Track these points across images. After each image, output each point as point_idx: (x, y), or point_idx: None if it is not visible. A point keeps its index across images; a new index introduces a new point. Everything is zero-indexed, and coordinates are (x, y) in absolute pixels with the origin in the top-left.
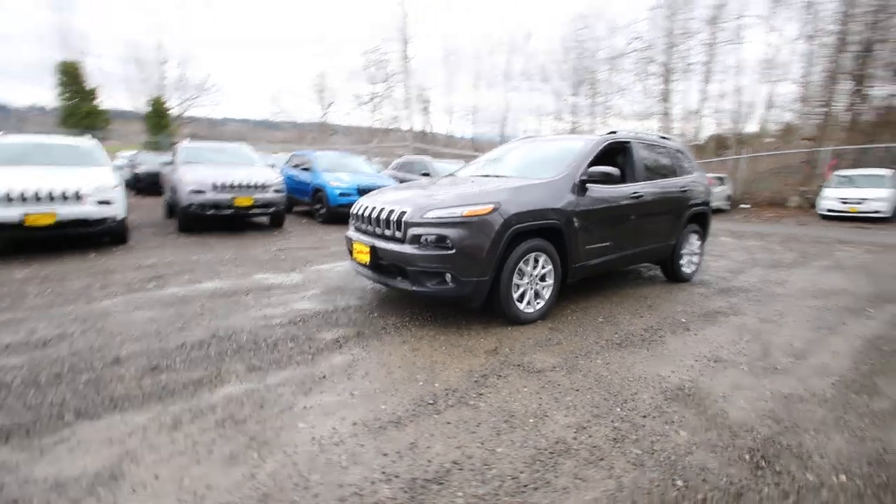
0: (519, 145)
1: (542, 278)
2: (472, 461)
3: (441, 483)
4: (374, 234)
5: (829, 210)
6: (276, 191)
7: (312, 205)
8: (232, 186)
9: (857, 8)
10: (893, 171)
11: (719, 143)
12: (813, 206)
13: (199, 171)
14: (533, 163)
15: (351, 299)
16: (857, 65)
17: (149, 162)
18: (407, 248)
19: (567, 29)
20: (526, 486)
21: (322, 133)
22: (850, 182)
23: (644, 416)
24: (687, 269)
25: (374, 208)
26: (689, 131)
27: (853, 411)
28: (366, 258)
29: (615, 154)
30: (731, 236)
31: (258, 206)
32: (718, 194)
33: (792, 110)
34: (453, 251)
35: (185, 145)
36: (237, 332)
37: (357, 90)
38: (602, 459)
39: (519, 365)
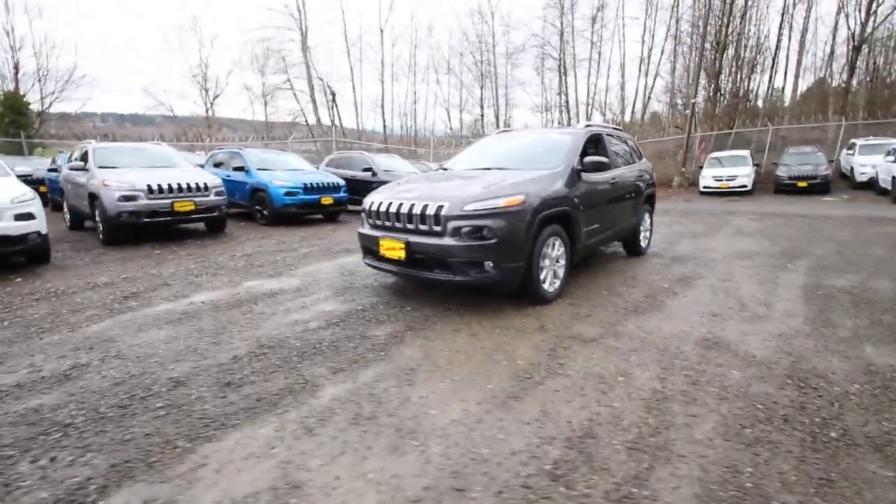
0: (503, 139)
1: (557, 260)
2: (602, 416)
3: (593, 437)
4: (405, 231)
5: (706, 187)
6: (218, 193)
7: (251, 206)
8: (170, 190)
9: (712, 13)
10: (749, 151)
11: None
12: (693, 184)
13: (128, 175)
14: (530, 155)
15: (369, 297)
16: (713, 62)
17: (18, 167)
18: (448, 241)
19: (466, 23)
20: (658, 428)
21: (208, 128)
22: (719, 163)
23: (699, 364)
24: (643, 244)
25: (399, 204)
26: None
27: (829, 340)
28: (400, 254)
29: (593, 144)
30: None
31: (200, 211)
32: None
33: (661, 101)
34: (494, 240)
35: (95, 147)
36: (282, 339)
37: (248, 81)
38: (696, 400)
39: (573, 337)
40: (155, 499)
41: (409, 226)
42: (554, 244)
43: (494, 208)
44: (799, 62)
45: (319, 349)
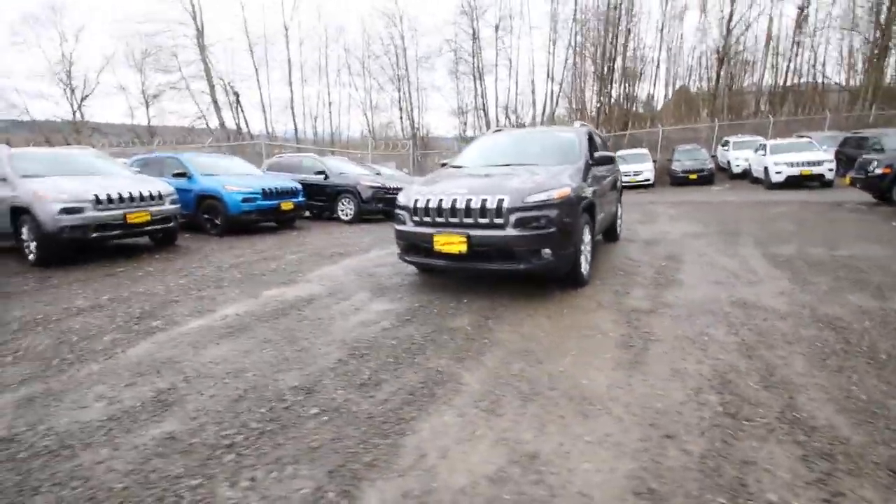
0: (508, 137)
1: (586, 246)
2: (720, 367)
3: (729, 382)
4: (463, 225)
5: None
6: (173, 202)
7: (197, 216)
8: (121, 199)
9: (605, 27)
10: (647, 149)
11: None
12: None
13: (67, 185)
14: (544, 151)
15: (413, 294)
16: (606, 70)
17: None
18: (511, 232)
19: (377, 26)
20: (768, 369)
21: (76, 133)
22: (624, 160)
23: (749, 319)
24: (619, 231)
25: (454, 200)
26: (486, 124)
27: (819, 294)
28: (460, 248)
29: (590, 141)
30: None
31: (156, 222)
32: None
33: (564, 105)
34: (552, 229)
35: (10, 153)
36: (370, 339)
37: (126, 81)
38: (773, 346)
39: (633, 310)
40: (409, 491)
41: (468, 220)
42: (585, 231)
43: (550, 199)
44: (668, 71)
45: (419, 344)
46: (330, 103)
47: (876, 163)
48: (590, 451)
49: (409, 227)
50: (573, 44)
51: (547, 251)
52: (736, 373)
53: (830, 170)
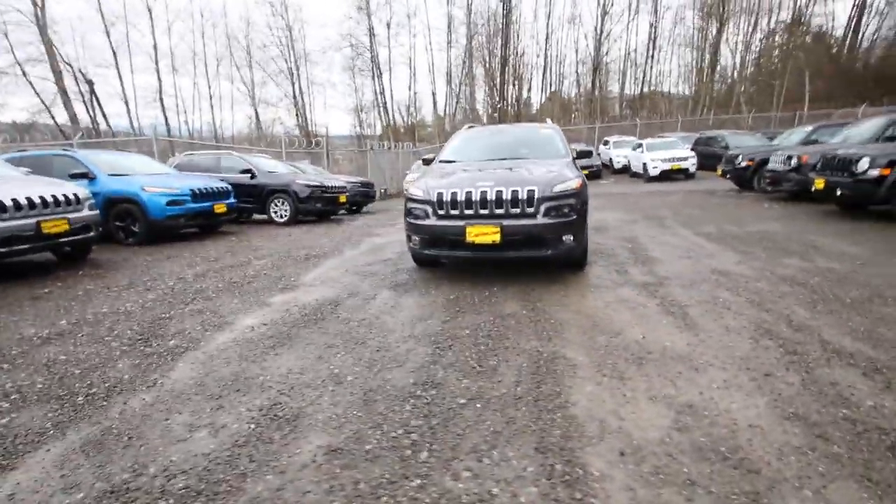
0: (490, 133)
1: None
2: (760, 319)
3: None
4: (494, 216)
5: None
6: (91, 207)
7: (109, 222)
8: (32, 206)
9: (492, 33)
10: None
11: (394, 134)
12: None
13: None
14: (532, 146)
15: (436, 288)
16: (499, 73)
17: None
18: (541, 220)
19: (259, 15)
20: (786, 315)
21: None
22: None
23: (739, 284)
24: None
25: (483, 192)
26: (380, 122)
27: (770, 261)
28: (494, 238)
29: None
30: None
31: (76, 231)
32: None
33: (455, 105)
34: (574, 217)
35: None
36: (439, 335)
37: None
38: (773, 301)
39: (645, 284)
40: (622, 449)
41: (499, 210)
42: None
43: (571, 189)
44: (545, 77)
45: (495, 331)
46: (210, 96)
47: (741, 157)
48: (726, 395)
49: (433, 221)
50: (467, 47)
51: (569, 237)
52: (767, 323)
53: (693, 164)
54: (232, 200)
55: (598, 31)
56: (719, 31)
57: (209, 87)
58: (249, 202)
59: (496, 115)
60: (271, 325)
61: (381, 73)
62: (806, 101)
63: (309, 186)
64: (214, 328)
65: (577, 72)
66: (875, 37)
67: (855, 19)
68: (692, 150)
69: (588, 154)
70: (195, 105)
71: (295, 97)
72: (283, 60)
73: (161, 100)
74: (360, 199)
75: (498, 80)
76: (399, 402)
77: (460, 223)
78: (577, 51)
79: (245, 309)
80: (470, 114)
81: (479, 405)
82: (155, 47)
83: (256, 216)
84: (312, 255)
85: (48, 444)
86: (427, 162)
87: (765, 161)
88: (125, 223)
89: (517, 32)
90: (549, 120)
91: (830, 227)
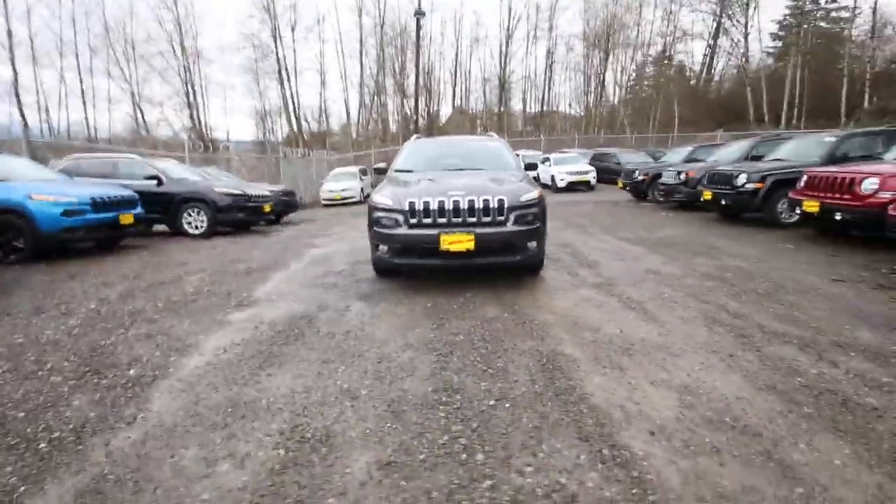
0: (437, 145)
1: None
2: (705, 309)
3: (717, 316)
4: (467, 224)
5: None
6: None
7: None
8: None
9: (406, 43)
10: None
11: (293, 141)
12: None
13: None
14: (484, 157)
15: (405, 298)
16: (413, 85)
17: None
18: (511, 228)
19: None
20: (723, 304)
21: None
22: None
23: (675, 281)
24: None
25: (456, 201)
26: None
27: (682, 260)
28: (468, 245)
29: None
30: None
31: None
32: (365, 185)
33: (369, 116)
34: (538, 224)
35: None
36: (432, 343)
37: None
38: (706, 293)
39: (597, 284)
40: (683, 403)
41: (471, 219)
42: None
43: (535, 199)
44: (453, 93)
45: (487, 335)
46: (83, 92)
47: (638, 172)
48: (707, 375)
49: (405, 231)
50: (379, 56)
51: (533, 243)
52: (711, 313)
53: (594, 177)
54: (140, 210)
55: (504, 53)
56: (604, 60)
57: (80, 82)
58: (156, 212)
59: (413, 126)
60: (245, 344)
61: (288, 77)
62: (676, 124)
63: (230, 195)
64: (177, 352)
65: (483, 89)
66: (723, 72)
67: (708, 57)
68: (590, 164)
69: (534, 167)
70: (62, 102)
71: (188, 97)
72: (174, 56)
73: (17, 94)
74: (282, 209)
75: (412, 91)
76: (429, 409)
77: (433, 231)
78: (483, 69)
79: (203, 329)
80: (381, 124)
81: (507, 405)
82: (10, 33)
83: (158, 228)
84: (254, 269)
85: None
86: (379, 171)
87: (658, 175)
88: (4, 238)
89: (428, 47)
90: (493, 133)
91: (720, 232)
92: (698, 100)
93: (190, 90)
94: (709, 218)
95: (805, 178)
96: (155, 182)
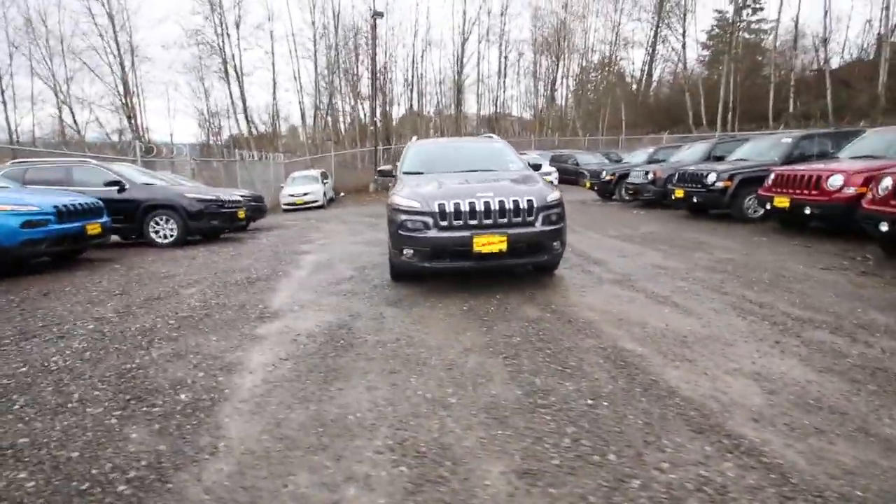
0: (443, 146)
1: None
2: (728, 300)
3: (741, 305)
4: (498, 225)
5: None
6: None
7: None
8: None
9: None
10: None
11: (243, 143)
12: (385, 189)
13: None
14: (492, 159)
15: (437, 302)
16: (369, 87)
17: None
18: (540, 228)
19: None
20: (741, 294)
21: None
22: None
23: (683, 274)
24: None
25: (486, 202)
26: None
27: (679, 254)
28: (501, 247)
29: None
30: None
31: None
32: (327, 189)
33: (323, 119)
34: (561, 224)
35: None
36: (491, 346)
37: None
38: (722, 283)
39: (616, 281)
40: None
41: (502, 220)
42: None
43: (558, 199)
44: (411, 95)
45: (548, 333)
46: (2, 90)
47: (604, 172)
48: (769, 362)
49: (435, 233)
50: (329, 59)
51: (558, 242)
52: (736, 303)
53: (556, 178)
54: (107, 219)
55: (459, 56)
56: (554, 65)
57: None
58: (118, 221)
59: (373, 129)
60: (294, 359)
61: (238, 77)
62: (623, 127)
63: (202, 201)
64: (222, 372)
65: (436, 91)
66: (661, 78)
67: (648, 64)
68: (550, 165)
69: (539, 167)
70: None
71: (123, 97)
72: (107, 53)
73: None
74: (251, 215)
75: (365, 92)
76: (530, 413)
77: (466, 234)
78: (436, 71)
79: (236, 345)
80: (333, 126)
81: (605, 403)
82: None
83: (114, 238)
84: (255, 279)
85: None
86: (384, 174)
87: (624, 175)
88: None
89: (384, 48)
90: (493, 135)
91: (695, 227)
92: (641, 104)
93: (124, 89)
94: (678, 215)
95: (773, 176)
96: (116, 188)
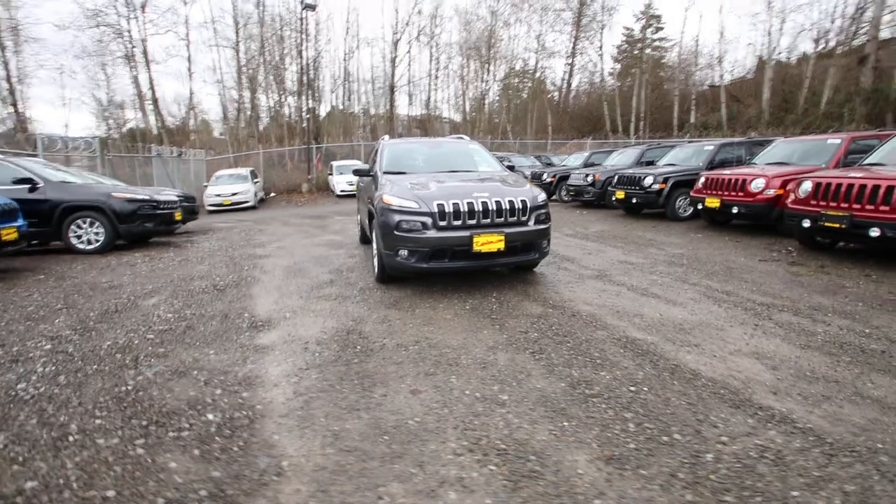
0: (420, 146)
1: None
2: (702, 290)
3: (714, 295)
4: (496, 225)
5: (343, 191)
6: None
7: None
8: None
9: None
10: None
11: (142, 137)
12: (320, 189)
13: None
14: (470, 160)
15: (435, 302)
16: (297, 82)
17: None
18: (533, 227)
19: None
20: (707, 285)
21: None
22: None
23: (649, 268)
24: None
25: (484, 202)
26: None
27: (631, 250)
28: (499, 245)
29: None
30: (343, 215)
31: None
32: (258, 188)
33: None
34: (549, 223)
35: None
36: (513, 343)
37: None
38: (686, 275)
39: (594, 276)
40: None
41: (499, 219)
42: None
43: (545, 200)
44: (343, 92)
45: (559, 327)
46: None
47: (546, 175)
48: (761, 342)
49: (434, 233)
50: (261, 48)
51: (545, 241)
52: (706, 292)
53: None
54: (22, 223)
55: (393, 55)
56: (481, 69)
57: None
58: (31, 225)
59: (305, 125)
60: (316, 368)
61: (147, 64)
62: (549, 132)
63: (134, 201)
64: (242, 387)
65: (367, 89)
66: (578, 87)
67: (568, 73)
68: None
69: (513, 168)
70: None
71: (9, 82)
72: None
73: None
74: (185, 217)
75: (290, 86)
76: (584, 403)
77: (465, 233)
78: (363, 70)
79: (242, 358)
80: (256, 122)
81: (645, 388)
82: None
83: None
84: (223, 287)
85: None
86: (360, 173)
87: (564, 178)
88: None
89: (313, 43)
90: (464, 136)
91: (637, 225)
92: (563, 111)
93: (6, 74)
94: (616, 214)
95: (703, 179)
96: (28, 187)
